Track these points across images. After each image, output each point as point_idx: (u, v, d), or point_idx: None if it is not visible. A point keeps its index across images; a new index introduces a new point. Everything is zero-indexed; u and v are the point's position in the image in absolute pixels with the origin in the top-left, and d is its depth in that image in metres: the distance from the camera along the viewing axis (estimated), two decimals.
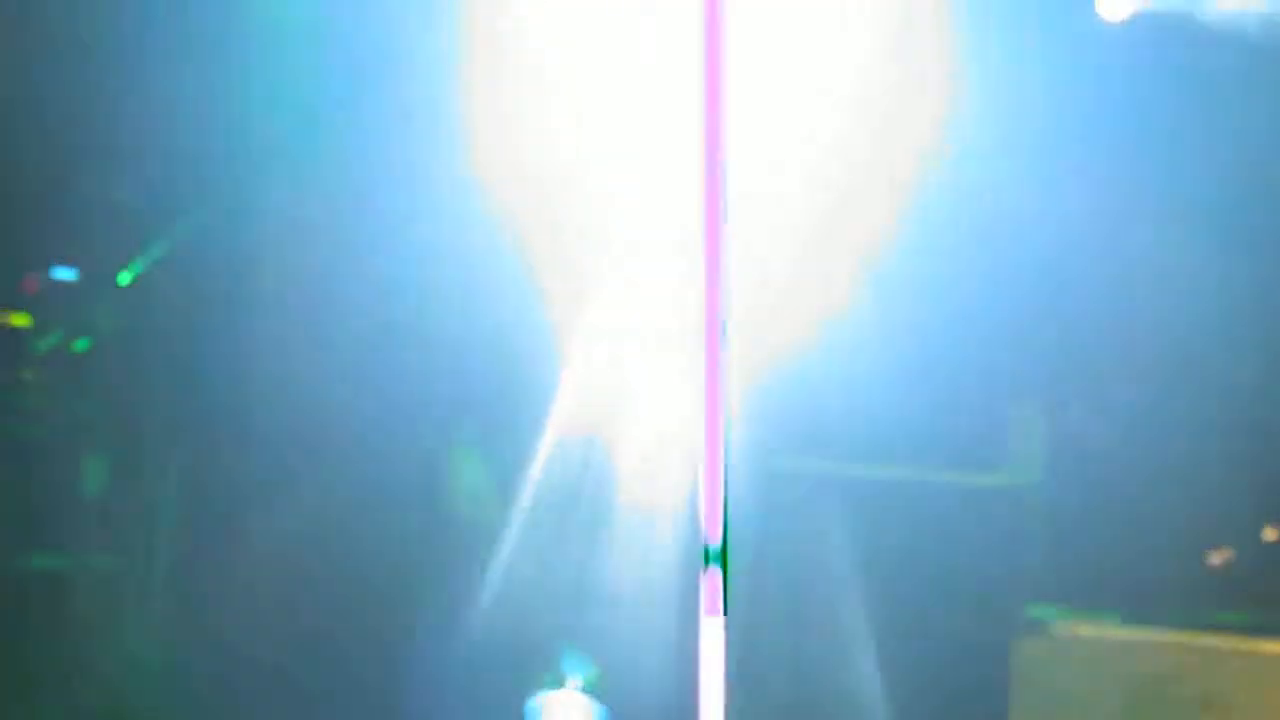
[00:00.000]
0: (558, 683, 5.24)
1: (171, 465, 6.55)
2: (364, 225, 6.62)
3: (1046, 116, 6.90)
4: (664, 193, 5.92)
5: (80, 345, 6.77)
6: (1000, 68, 6.79)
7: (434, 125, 6.54)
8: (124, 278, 4.47)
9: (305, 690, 6.30)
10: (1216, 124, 6.80)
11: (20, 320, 6.65)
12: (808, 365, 7.77)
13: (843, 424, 7.16)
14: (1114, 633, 5.74)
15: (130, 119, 6.67)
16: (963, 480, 6.57)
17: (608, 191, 6.18)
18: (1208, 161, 6.85)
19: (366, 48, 6.72)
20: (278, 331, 6.66)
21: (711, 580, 3.88)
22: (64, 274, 6.71)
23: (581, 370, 6.26)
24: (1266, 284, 6.91)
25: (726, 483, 6.58)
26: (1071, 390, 6.99)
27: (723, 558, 6.09)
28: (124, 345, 7.07)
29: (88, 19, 6.78)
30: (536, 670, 5.38)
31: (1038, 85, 6.92)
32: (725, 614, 6.52)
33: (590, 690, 5.26)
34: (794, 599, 6.61)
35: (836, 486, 6.69)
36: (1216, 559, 6.82)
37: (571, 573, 6.21)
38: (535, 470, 6.21)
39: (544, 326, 6.41)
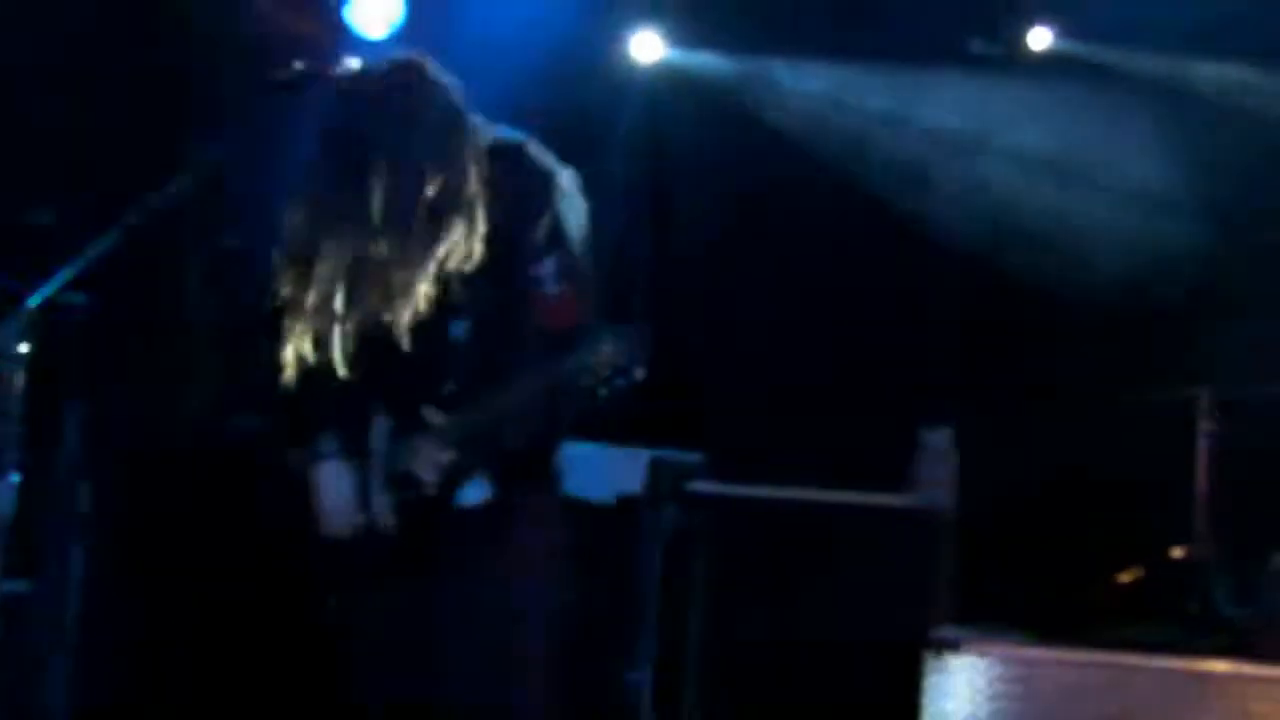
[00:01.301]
0: None
1: None
2: None
3: None
4: None
5: None
6: None
7: None
8: None
9: None
10: None
11: None
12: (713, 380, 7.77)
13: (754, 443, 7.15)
14: (1023, 651, 5.69)
15: None
16: (872, 500, 6.57)
17: None
18: None
19: None
20: None
21: None
22: None
23: None
24: None
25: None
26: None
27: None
28: None
29: None
30: None
31: None
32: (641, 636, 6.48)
33: None
34: (707, 618, 6.59)
35: (747, 506, 6.67)
36: (1125, 576, 6.82)
37: None
38: None
39: None
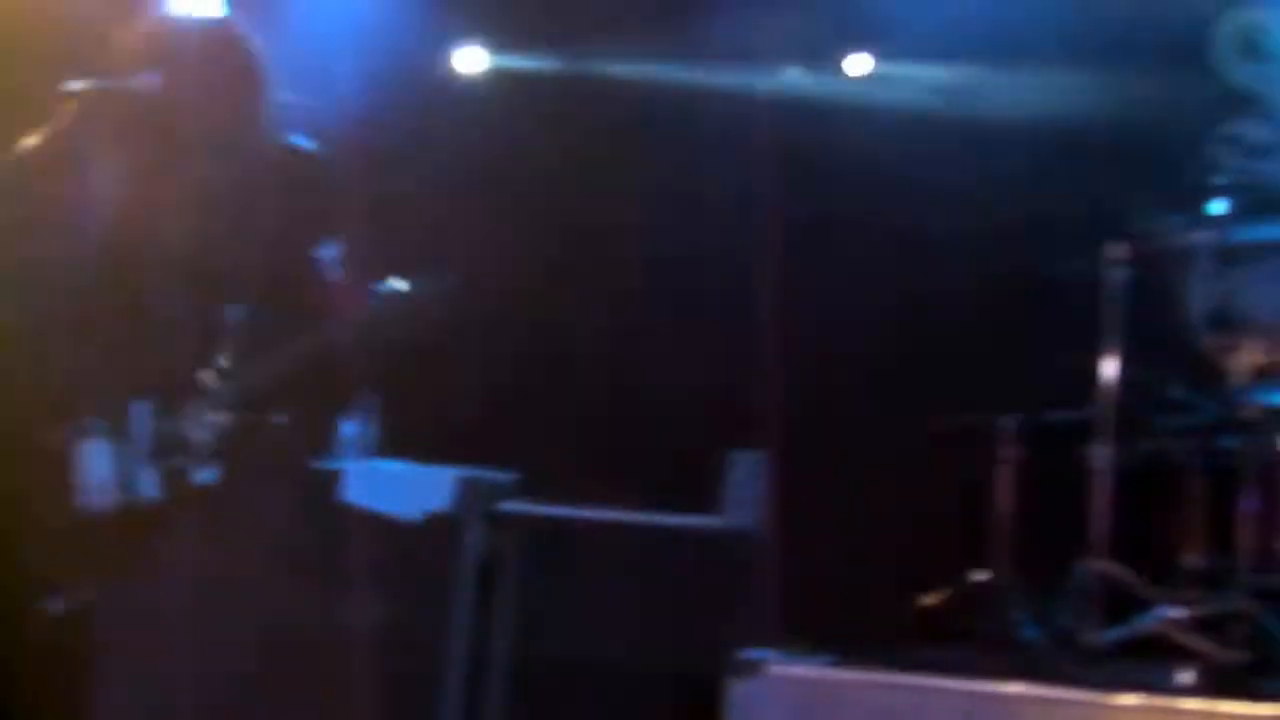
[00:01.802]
0: None
1: None
2: None
3: None
4: None
5: None
6: None
7: None
8: None
9: None
10: None
11: None
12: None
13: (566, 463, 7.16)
14: (828, 673, 5.76)
15: None
16: (679, 522, 6.58)
17: None
18: None
19: None
20: None
21: None
22: None
23: None
24: None
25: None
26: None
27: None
28: None
29: None
30: None
31: None
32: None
33: None
34: (515, 639, 6.56)
35: (556, 526, 6.66)
36: (928, 599, 6.91)
37: None
38: None
39: None
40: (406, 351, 4.39)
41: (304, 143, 4.35)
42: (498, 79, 8.23)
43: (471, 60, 8.15)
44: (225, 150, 4.14)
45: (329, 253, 4.22)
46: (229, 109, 4.13)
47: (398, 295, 4.11)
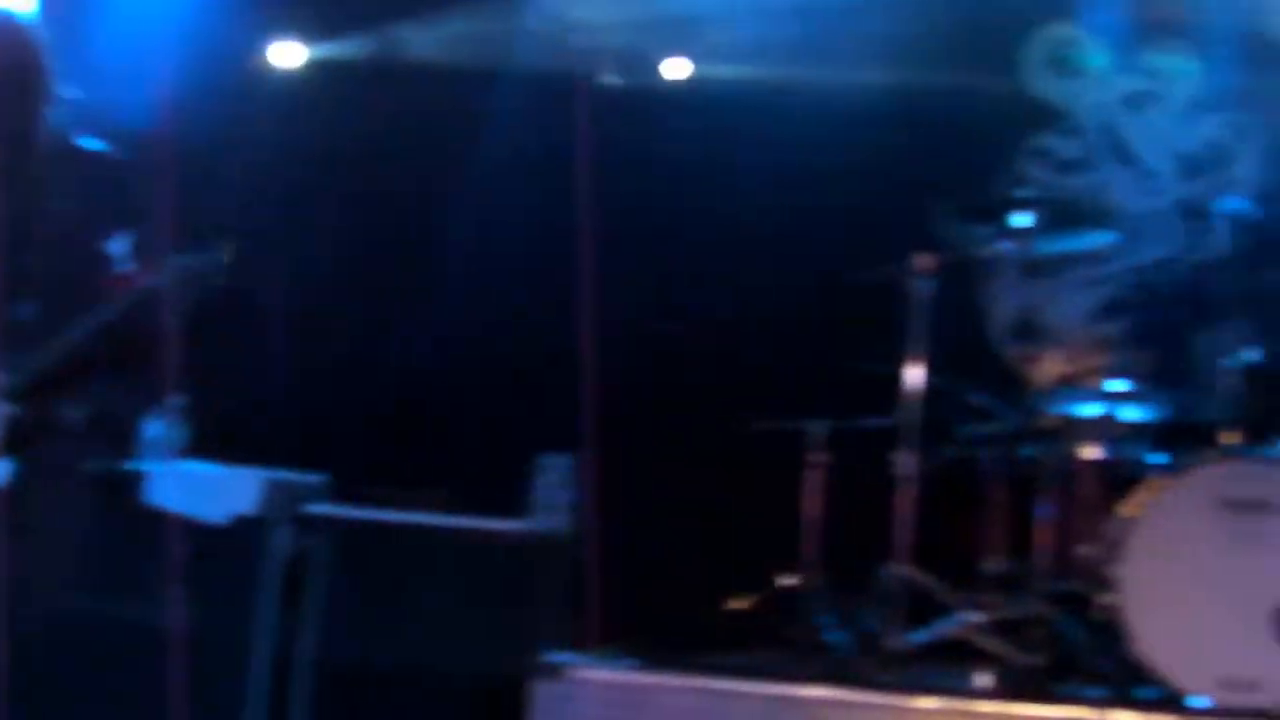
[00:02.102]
0: None
1: None
2: None
3: None
4: None
5: None
6: None
7: None
8: None
9: None
10: None
11: None
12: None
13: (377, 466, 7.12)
14: (632, 676, 5.79)
15: None
16: (488, 525, 6.57)
17: None
18: None
19: None
20: None
21: None
22: None
23: None
24: None
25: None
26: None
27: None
28: None
29: None
30: None
31: None
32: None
33: None
34: (321, 643, 6.50)
35: (365, 529, 6.62)
36: (736, 603, 6.96)
37: None
38: None
39: None
40: (200, 333, 4.32)
41: (92, 142, 4.27)
42: (313, 69, 8.17)
43: (287, 53, 8.11)
44: (5, 148, 4.05)
45: (121, 246, 4.14)
46: (8, 107, 4.04)
47: (175, 266, 4.04)
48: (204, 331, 4.34)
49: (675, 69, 8.08)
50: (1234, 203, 7.03)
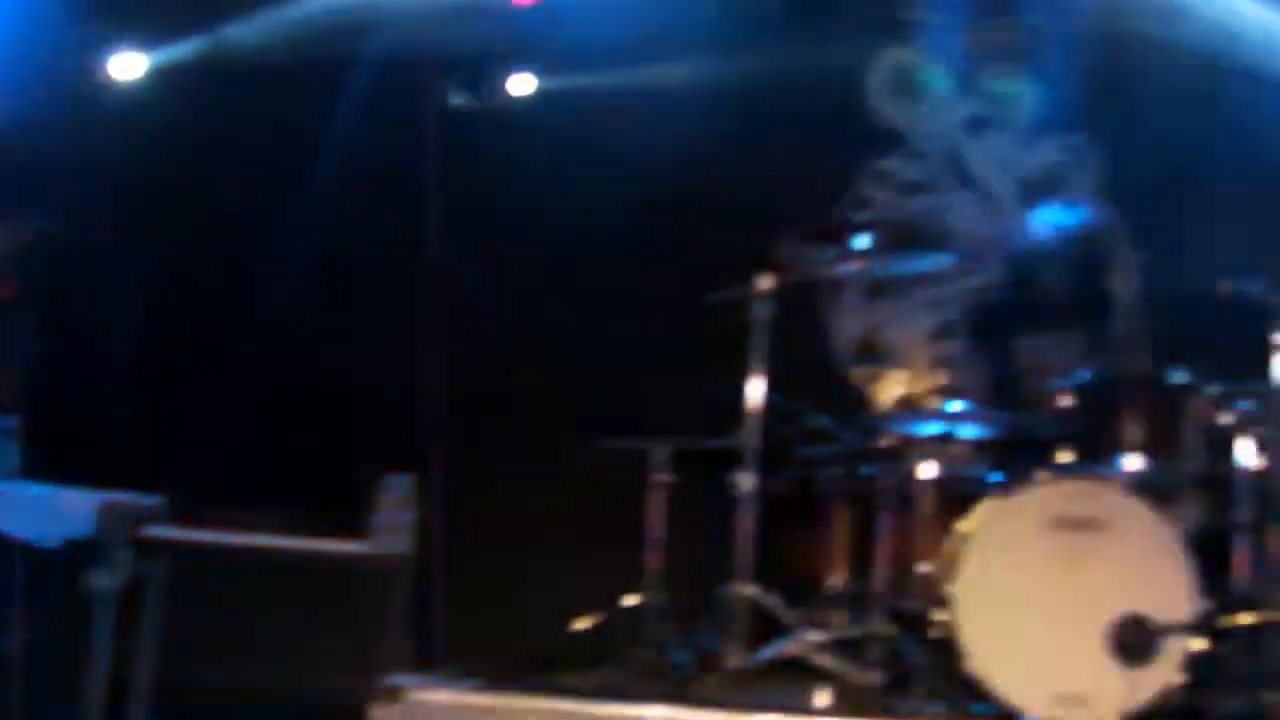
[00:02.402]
0: None
1: None
2: None
3: None
4: None
5: None
6: None
7: None
8: None
9: None
10: None
11: None
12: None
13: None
14: (470, 697, 5.77)
15: None
16: (328, 547, 6.52)
17: None
18: None
19: None
20: None
21: None
22: None
23: None
24: None
25: None
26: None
27: None
28: None
29: None
30: None
31: None
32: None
33: None
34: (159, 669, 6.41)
35: (204, 552, 6.53)
36: (581, 623, 6.96)
37: None
38: None
39: None
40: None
41: None
42: (153, 79, 8.07)
43: (126, 64, 8.01)
44: None
45: None
46: None
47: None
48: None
49: (521, 85, 8.09)
50: (1069, 222, 7.15)
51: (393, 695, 5.69)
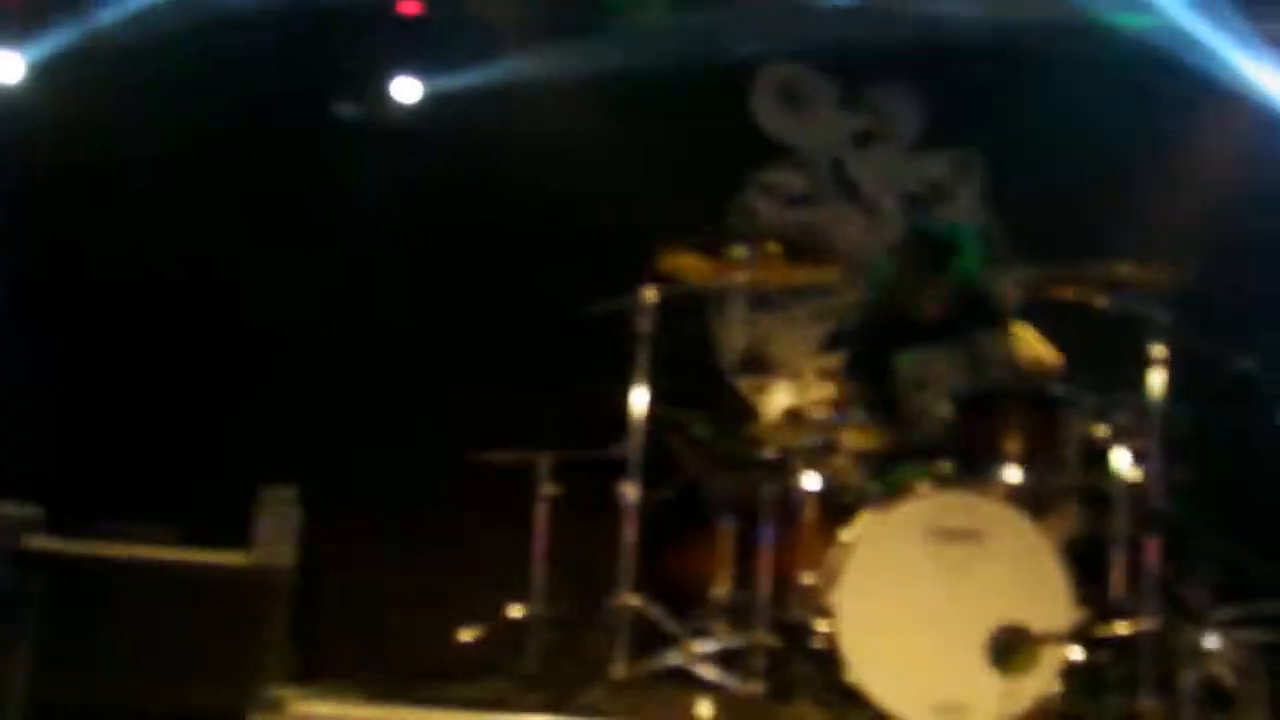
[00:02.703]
0: None
1: None
2: None
3: None
4: None
5: None
6: None
7: None
8: None
9: None
10: None
11: None
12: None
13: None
14: (349, 710, 5.76)
15: None
16: (208, 558, 6.46)
17: None
18: None
19: None
20: None
21: None
22: None
23: None
24: None
25: None
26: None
27: None
28: None
29: None
30: None
31: None
32: None
33: None
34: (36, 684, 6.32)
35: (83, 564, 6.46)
36: (464, 634, 6.94)
37: None
38: None
39: None
40: None
41: None
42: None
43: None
44: None
45: None
46: None
47: None
48: None
49: (406, 93, 8.07)
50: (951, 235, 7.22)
51: (274, 707, 5.66)
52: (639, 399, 6.54)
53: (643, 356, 6.54)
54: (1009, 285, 7.76)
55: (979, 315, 7.14)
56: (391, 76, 8.02)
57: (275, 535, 6.40)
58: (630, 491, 6.50)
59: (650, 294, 6.56)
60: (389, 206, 7.79)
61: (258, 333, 7.65)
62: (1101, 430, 6.42)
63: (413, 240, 7.82)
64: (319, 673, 6.38)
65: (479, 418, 7.53)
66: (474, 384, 7.65)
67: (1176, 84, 8.04)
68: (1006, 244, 8.27)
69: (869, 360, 7.10)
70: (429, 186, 7.86)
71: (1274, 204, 7.88)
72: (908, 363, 7.04)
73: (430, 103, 8.08)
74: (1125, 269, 6.36)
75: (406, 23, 8.05)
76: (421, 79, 8.05)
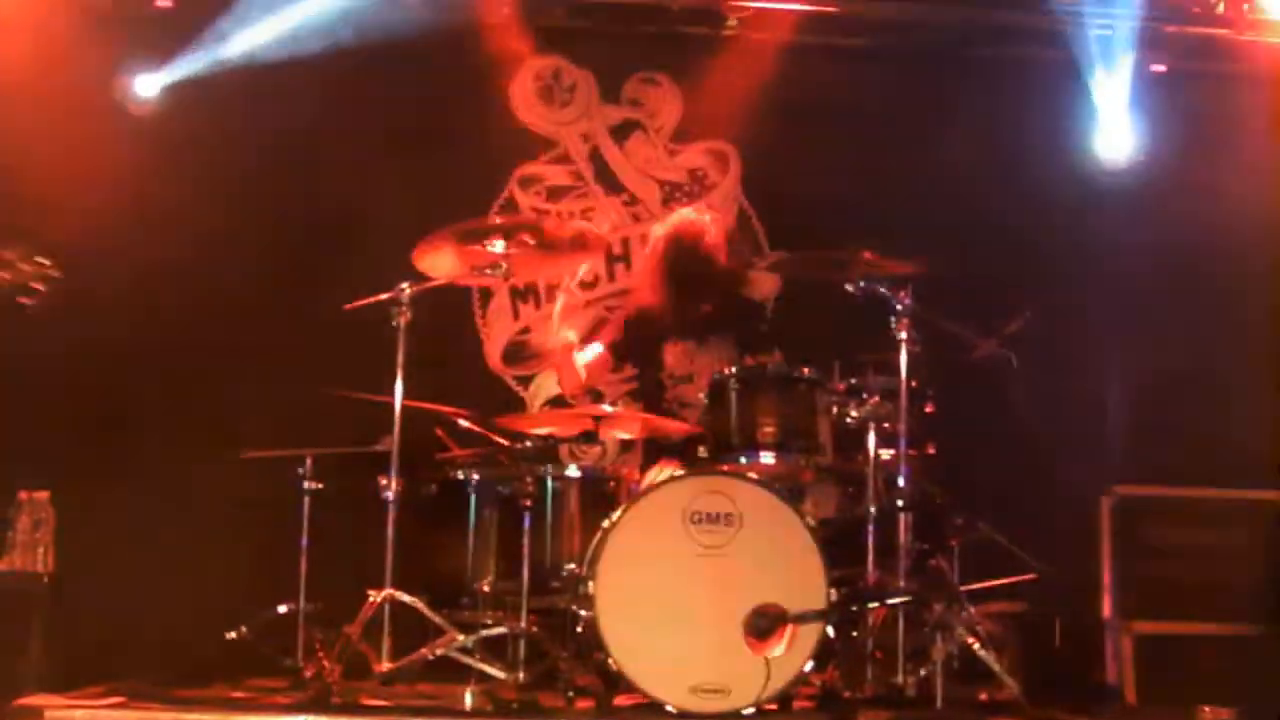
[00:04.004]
0: None
1: None
2: None
3: None
4: None
5: None
6: None
7: None
8: None
9: None
10: None
11: None
12: None
13: None
14: (111, 715, 5.69)
15: None
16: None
17: None
18: None
19: None
20: None
21: None
22: None
23: None
24: None
25: None
26: None
27: None
28: None
29: None
30: None
31: None
32: None
33: None
34: None
35: None
36: (232, 633, 6.89)
37: None
38: None
39: None
40: None
41: None
42: None
43: None
44: None
45: None
46: None
47: None
48: None
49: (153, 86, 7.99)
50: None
51: (27, 716, 5.58)
52: (398, 393, 6.53)
53: (401, 351, 6.54)
54: (766, 271, 7.95)
55: (740, 304, 7.30)
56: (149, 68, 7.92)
57: (30, 540, 6.32)
58: (391, 485, 6.49)
59: (409, 288, 6.55)
60: (136, 203, 7.70)
61: (7, 334, 7.50)
62: (854, 412, 6.58)
63: (161, 238, 7.72)
64: (79, 679, 6.28)
65: (243, 416, 7.48)
66: (238, 382, 7.60)
67: (922, 75, 8.29)
68: (763, 232, 8.45)
69: (636, 349, 7.21)
70: (179, 182, 7.78)
71: (1014, 193, 8.14)
72: (673, 351, 7.16)
73: (180, 95, 7.97)
74: (870, 255, 6.52)
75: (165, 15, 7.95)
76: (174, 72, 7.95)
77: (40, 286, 5.40)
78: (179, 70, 7.88)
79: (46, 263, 5.53)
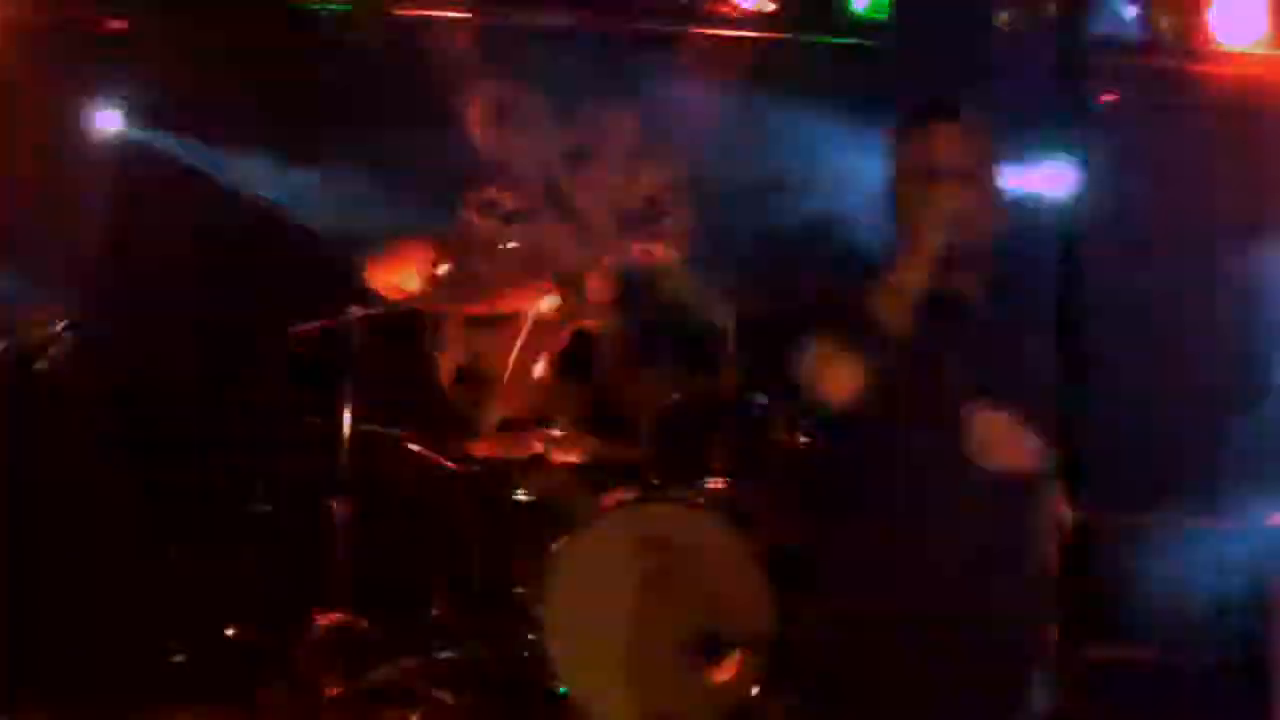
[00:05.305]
0: None
1: None
2: None
3: None
4: None
5: None
6: None
7: None
8: None
9: None
10: None
11: None
12: None
13: None
14: None
15: None
16: None
17: None
18: None
19: None
20: None
21: None
22: None
23: None
24: None
25: None
26: None
27: None
28: None
29: None
30: None
31: None
32: None
33: None
34: None
35: None
36: (175, 657, 6.86)
37: None
38: None
39: None
40: None
41: None
42: None
43: None
44: None
45: None
46: None
47: None
48: None
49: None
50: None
51: None
52: (347, 416, 6.52)
53: (351, 374, 6.53)
54: (718, 300, 7.95)
55: (693, 331, 7.30)
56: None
57: None
58: (341, 508, 6.48)
59: (357, 312, 6.55)
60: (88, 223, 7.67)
61: None
62: (804, 438, 6.59)
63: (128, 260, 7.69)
64: (23, 701, 6.23)
65: (191, 436, 7.44)
66: (186, 403, 7.56)
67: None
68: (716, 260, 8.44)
69: (588, 375, 7.22)
70: (129, 203, 7.75)
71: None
72: (626, 377, 7.17)
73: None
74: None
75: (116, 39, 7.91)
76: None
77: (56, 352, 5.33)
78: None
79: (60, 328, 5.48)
